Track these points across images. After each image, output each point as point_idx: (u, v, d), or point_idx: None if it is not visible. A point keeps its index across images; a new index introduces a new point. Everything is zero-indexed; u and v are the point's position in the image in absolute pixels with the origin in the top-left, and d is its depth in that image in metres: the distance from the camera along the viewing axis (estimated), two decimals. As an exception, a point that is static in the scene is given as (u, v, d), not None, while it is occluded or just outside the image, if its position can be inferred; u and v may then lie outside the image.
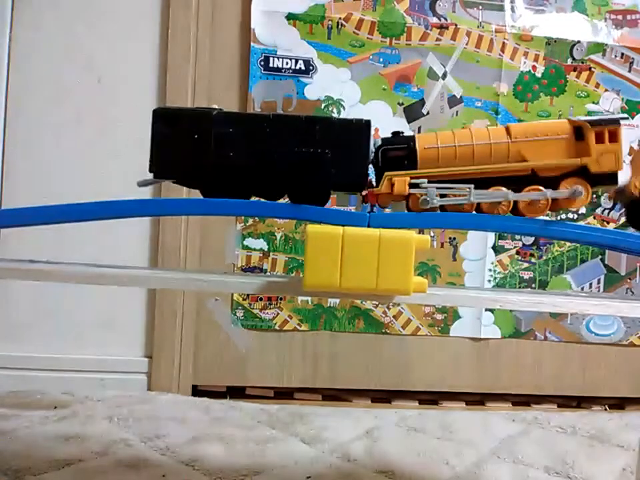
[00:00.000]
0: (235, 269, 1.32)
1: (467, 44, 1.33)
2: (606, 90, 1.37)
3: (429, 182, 0.55)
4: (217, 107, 0.57)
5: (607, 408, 1.39)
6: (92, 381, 1.27)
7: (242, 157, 0.55)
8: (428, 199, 0.55)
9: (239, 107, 1.29)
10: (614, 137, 0.54)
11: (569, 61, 1.36)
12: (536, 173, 0.56)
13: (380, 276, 0.50)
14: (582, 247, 1.38)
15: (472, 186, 0.55)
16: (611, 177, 0.55)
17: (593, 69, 1.36)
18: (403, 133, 0.58)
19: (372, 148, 0.56)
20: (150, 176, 0.57)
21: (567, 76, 1.36)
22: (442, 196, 0.56)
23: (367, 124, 0.55)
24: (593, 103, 1.36)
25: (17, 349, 1.28)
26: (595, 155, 0.54)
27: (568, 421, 1.19)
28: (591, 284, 1.39)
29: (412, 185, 0.55)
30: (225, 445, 0.97)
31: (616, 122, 0.54)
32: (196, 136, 0.55)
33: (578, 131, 0.55)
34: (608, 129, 0.54)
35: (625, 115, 0.55)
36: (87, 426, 1.02)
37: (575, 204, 0.55)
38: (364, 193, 0.59)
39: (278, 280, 0.57)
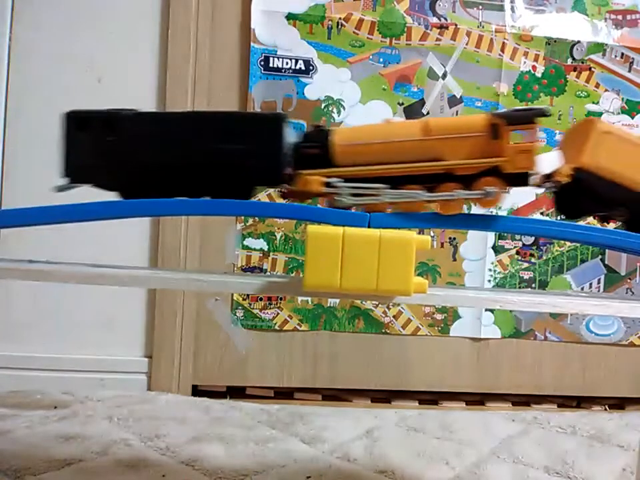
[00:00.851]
0: (235, 268, 1.32)
1: (467, 44, 1.33)
2: (606, 90, 1.37)
3: (346, 180, 0.54)
4: (132, 109, 0.56)
5: (607, 408, 1.39)
6: (92, 380, 1.27)
7: (160, 157, 0.55)
8: (341, 198, 0.54)
9: (239, 107, 1.29)
10: (530, 136, 0.53)
11: (569, 61, 1.36)
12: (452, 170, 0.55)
13: (380, 276, 0.50)
14: (582, 247, 1.38)
15: (384, 185, 0.54)
16: (525, 177, 0.53)
17: (593, 69, 1.36)
18: (321, 126, 0.57)
19: (289, 142, 0.55)
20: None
21: (567, 76, 1.36)
22: (357, 195, 0.54)
23: (278, 117, 0.54)
24: (593, 102, 1.37)
25: (16, 349, 1.28)
26: (509, 155, 0.53)
27: (568, 420, 1.19)
28: (590, 284, 1.39)
29: (327, 184, 0.54)
30: (225, 445, 0.97)
31: (532, 120, 0.52)
32: (110, 138, 0.54)
33: (494, 129, 0.53)
34: (524, 128, 0.53)
35: (545, 108, 0.53)
36: (87, 426, 1.02)
37: (487, 204, 0.54)
38: (284, 189, 0.58)
39: (278, 280, 0.57)
